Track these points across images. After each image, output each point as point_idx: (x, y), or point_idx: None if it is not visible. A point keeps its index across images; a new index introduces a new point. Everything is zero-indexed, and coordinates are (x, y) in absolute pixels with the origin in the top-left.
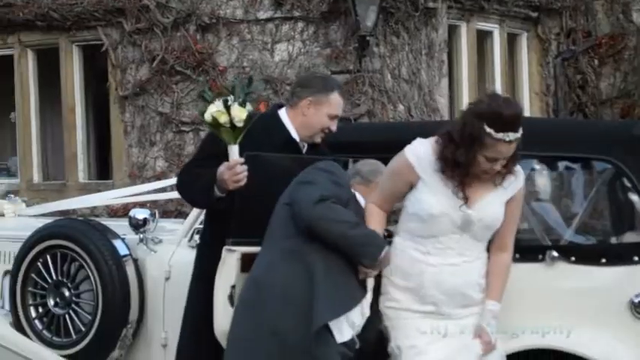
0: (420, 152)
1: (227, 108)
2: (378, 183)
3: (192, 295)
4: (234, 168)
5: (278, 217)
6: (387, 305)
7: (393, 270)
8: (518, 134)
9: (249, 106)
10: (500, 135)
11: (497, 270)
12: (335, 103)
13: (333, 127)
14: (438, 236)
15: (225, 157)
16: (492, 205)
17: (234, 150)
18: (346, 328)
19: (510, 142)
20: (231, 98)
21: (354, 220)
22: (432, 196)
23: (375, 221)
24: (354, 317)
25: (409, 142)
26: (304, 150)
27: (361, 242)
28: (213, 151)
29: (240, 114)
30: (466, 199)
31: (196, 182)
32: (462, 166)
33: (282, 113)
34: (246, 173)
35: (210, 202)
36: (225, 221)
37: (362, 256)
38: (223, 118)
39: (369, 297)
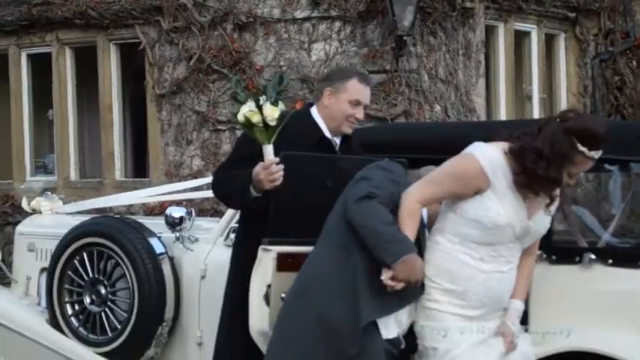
0: (492, 157)
1: (259, 107)
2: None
3: (228, 295)
4: (270, 168)
5: (334, 213)
6: (428, 306)
7: (437, 271)
8: (600, 152)
9: (281, 105)
10: (592, 153)
11: (525, 272)
12: (353, 88)
13: (359, 114)
14: (495, 245)
15: (260, 157)
16: (547, 218)
17: (268, 150)
18: (393, 325)
19: (594, 159)
20: (263, 98)
21: (389, 220)
22: (501, 205)
23: (412, 224)
24: (401, 316)
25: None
26: (337, 147)
27: (387, 239)
28: (248, 151)
29: (272, 113)
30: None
31: (232, 182)
32: (556, 182)
33: (314, 111)
34: (282, 173)
35: (246, 202)
36: (261, 221)
37: (385, 252)
38: (256, 118)
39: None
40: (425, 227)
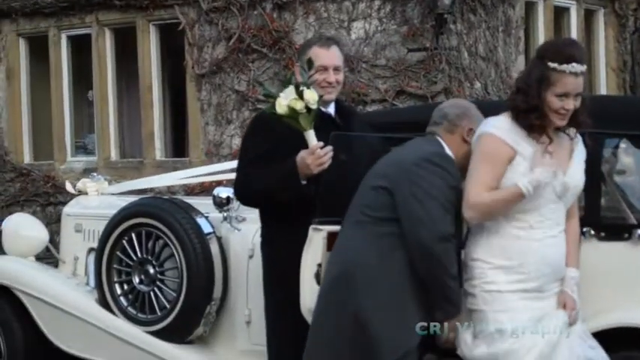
0: (502, 126)
1: (300, 94)
2: (465, 127)
3: (269, 296)
4: (316, 152)
5: (369, 198)
6: (487, 289)
7: (490, 251)
8: (583, 67)
9: (312, 88)
10: (564, 66)
11: (572, 237)
12: (314, 56)
13: (329, 78)
14: (539, 208)
15: (273, 151)
16: (580, 171)
17: (311, 135)
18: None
19: (576, 74)
20: (292, 86)
21: (456, 272)
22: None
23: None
24: None
25: None
26: (338, 121)
27: (450, 297)
28: (261, 149)
29: (313, 96)
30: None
31: (269, 178)
32: (537, 110)
33: None
34: (330, 155)
35: (294, 191)
36: (283, 219)
37: (442, 309)
38: (299, 105)
39: None
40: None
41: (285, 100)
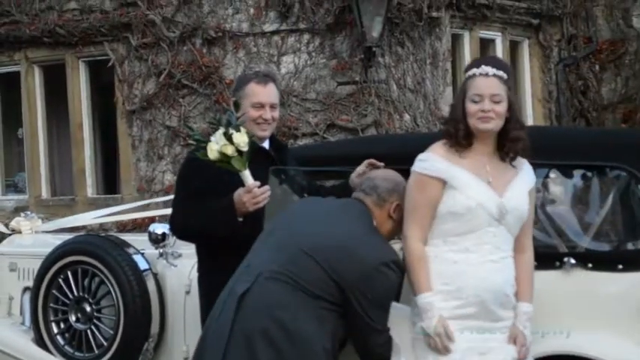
0: (430, 158)
1: (229, 138)
2: (393, 203)
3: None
4: (253, 191)
5: (300, 265)
6: None
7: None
8: (497, 71)
9: (242, 129)
10: (473, 70)
11: (524, 271)
12: (251, 92)
13: (265, 115)
14: (475, 231)
15: (211, 185)
16: (520, 194)
17: (247, 174)
18: None
19: (486, 75)
20: (221, 129)
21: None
22: (466, 191)
23: (425, 267)
24: None
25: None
26: (272, 153)
27: None
28: (197, 185)
29: (242, 138)
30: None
31: (207, 215)
32: (464, 119)
33: None
34: (268, 194)
35: (231, 228)
36: (218, 253)
37: None
38: (230, 150)
39: None
40: None
41: (216, 146)
